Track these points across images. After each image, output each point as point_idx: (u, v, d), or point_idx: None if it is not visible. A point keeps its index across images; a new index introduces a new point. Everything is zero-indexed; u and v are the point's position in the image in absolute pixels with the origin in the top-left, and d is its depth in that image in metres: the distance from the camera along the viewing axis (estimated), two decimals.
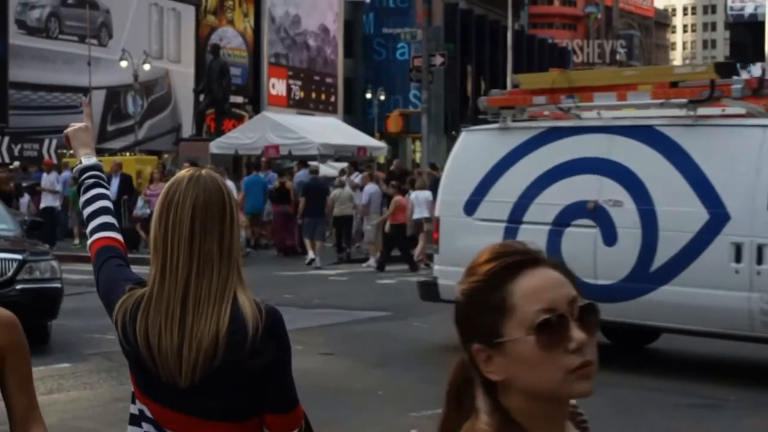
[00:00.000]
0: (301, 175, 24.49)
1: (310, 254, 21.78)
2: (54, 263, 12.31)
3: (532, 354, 1.65)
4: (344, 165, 28.19)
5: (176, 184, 2.68)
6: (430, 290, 11.92)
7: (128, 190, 24.27)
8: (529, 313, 1.65)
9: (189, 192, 2.65)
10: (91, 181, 3.03)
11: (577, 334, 1.65)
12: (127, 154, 38.36)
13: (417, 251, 21.37)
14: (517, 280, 1.68)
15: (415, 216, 21.14)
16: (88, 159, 3.08)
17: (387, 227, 21.45)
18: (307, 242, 22.21)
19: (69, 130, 3.19)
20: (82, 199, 3.03)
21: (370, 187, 23.32)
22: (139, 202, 23.30)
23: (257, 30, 54.07)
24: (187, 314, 2.60)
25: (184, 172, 2.73)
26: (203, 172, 2.72)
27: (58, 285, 12.10)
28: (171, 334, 2.59)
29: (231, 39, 51.90)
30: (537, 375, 1.65)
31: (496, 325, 1.68)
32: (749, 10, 79.86)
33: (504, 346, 1.67)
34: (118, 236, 2.97)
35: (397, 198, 21.60)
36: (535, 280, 1.68)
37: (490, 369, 1.69)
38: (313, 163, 26.37)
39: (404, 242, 21.38)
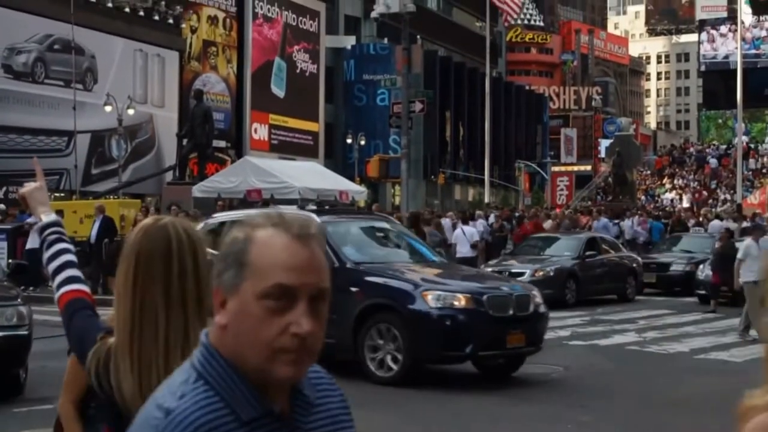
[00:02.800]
0: None
1: None
2: (22, 308, 11.58)
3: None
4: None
5: (129, 235, 2.73)
6: None
7: (110, 232, 24.27)
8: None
9: (135, 242, 2.65)
10: (54, 237, 3.05)
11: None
12: (111, 197, 38.83)
13: None
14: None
15: None
16: (47, 216, 3.12)
17: None
18: None
19: (24, 190, 3.21)
20: (46, 255, 3.03)
21: None
22: None
23: (240, 76, 54.82)
24: (135, 367, 2.58)
25: (142, 222, 2.76)
26: (162, 220, 2.70)
27: (26, 332, 11.42)
28: (129, 387, 2.58)
29: (214, 84, 52.60)
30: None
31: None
32: (721, 58, 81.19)
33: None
34: (86, 288, 3.00)
35: None
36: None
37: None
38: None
39: None
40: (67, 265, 3.00)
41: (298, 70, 59.29)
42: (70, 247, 3.08)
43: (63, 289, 2.95)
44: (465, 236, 25.78)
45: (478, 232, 27.61)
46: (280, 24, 57.76)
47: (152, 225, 2.67)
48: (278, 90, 57.86)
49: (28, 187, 3.23)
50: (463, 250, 25.20)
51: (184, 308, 2.58)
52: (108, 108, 39.66)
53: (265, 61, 56.61)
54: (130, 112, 40.84)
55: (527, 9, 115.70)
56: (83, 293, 2.97)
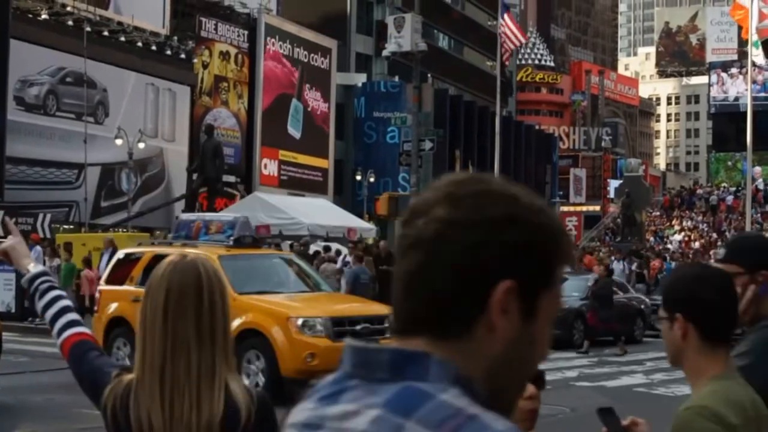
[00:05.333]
0: None
1: None
2: None
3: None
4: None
5: (157, 270, 2.72)
6: None
7: None
8: None
9: (165, 277, 2.66)
10: (45, 285, 3.06)
11: None
12: (120, 230, 38.93)
13: None
14: None
15: None
16: (35, 267, 3.14)
17: None
18: None
19: (5, 246, 3.22)
20: (41, 303, 3.04)
21: (358, 269, 23.83)
22: None
23: (251, 111, 55.04)
24: (166, 399, 2.60)
25: (168, 258, 2.77)
26: (187, 257, 2.73)
27: None
28: (158, 419, 2.59)
29: (225, 119, 52.80)
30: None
31: None
32: (731, 100, 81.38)
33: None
34: (87, 330, 3.01)
35: None
36: None
37: None
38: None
39: None
40: (65, 310, 3.01)
41: (309, 108, 59.60)
42: (63, 293, 3.10)
43: (65, 335, 2.95)
44: None
45: None
46: (296, 64, 58.13)
47: (181, 260, 2.69)
48: (295, 131, 58.36)
49: (9, 242, 3.23)
50: None
51: (212, 343, 2.62)
52: (119, 141, 39.85)
53: (277, 96, 56.80)
54: (141, 145, 41.03)
55: (538, 49, 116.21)
56: (86, 335, 2.97)
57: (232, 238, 16.72)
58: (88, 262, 25.06)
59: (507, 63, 57.41)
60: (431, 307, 1.32)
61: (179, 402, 2.58)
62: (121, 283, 16.30)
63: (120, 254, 17.91)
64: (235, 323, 13.30)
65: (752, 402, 2.74)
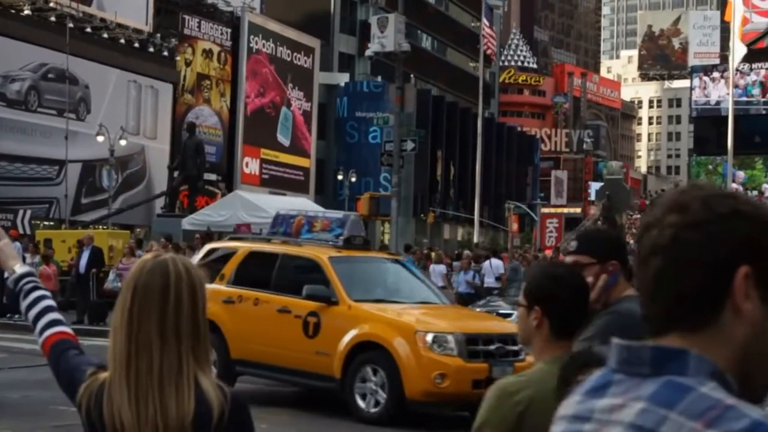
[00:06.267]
0: None
1: None
2: None
3: None
4: None
5: (131, 270, 2.74)
6: None
7: (98, 263, 24.23)
8: None
9: (132, 278, 2.67)
10: (30, 285, 3.10)
11: None
12: (100, 227, 38.80)
13: None
14: None
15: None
16: (21, 268, 3.18)
17: None
18: None
19: None
20: (24, 303, 3.07)
21: None
22: (111, 276, 23.31)
23: (233, 110, 55.00)
24: (132, 398, 2.61)
25: (143, 257, 2.80)
26: (162, 256, 2.74)
27: None
28: (128, 418, 2.60)
29: (207, 117, 52.74)
30: None
31: None
32: (712, 104, 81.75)
33: None
34: (68, 329, 3.01)
35: None
36: None
37: None
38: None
39: None
40: (47, 310, 3.03)
41: (292, 108, 59.73)
42: (47, 293, 3.11)
43: (46, 334, 2.97)
44: (491, 269, 26.38)
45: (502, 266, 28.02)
46: (283, 72, 58.43)
47: (150, 260, 2.70)
48: (284, 138, 58.92)
49: None
50: (490, 281, 25.93)
51: (178, 342, 2.61)
52: (100, 138, 39.69)
53: (266, 102, 57.04)
54: (122, 142, 40.89)
55: (521, 51, 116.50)
56: (66, 334, 2.98)
57: (341, 237, 14.73)
58: (46, 259, 24.74)
59: (493, 59, 57.72)
60: (679, 304, 1.47)
61: (144, 401, 2.59)
62: (209, 281, 14.48)
63: (206, 249, 16.09)
64: (350, 335, 12.69)
65: None
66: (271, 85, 57.85)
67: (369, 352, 12.54)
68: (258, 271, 14.36)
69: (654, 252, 1.49)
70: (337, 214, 17.23)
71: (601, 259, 3.75)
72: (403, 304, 13.66)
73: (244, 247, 15.06)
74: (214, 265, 14.59)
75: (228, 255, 14.94)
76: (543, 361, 3.22)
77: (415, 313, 13.25)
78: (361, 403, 12.46)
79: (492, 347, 12.45)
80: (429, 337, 12.27)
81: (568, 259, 3.87)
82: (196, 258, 23.71)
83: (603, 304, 3.73)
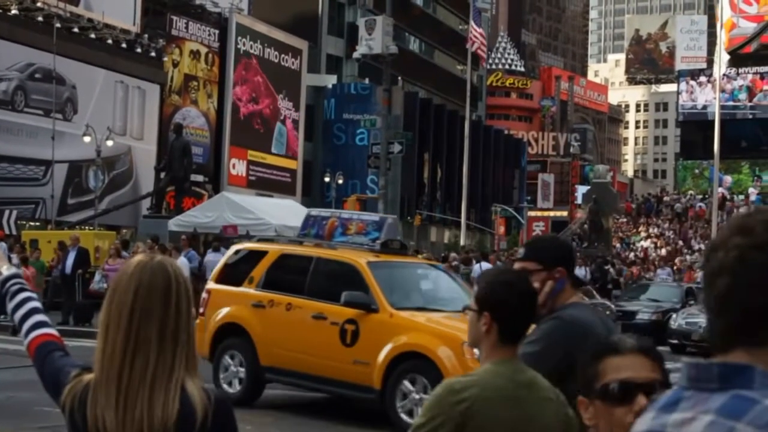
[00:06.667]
0: (211, 256, 24.44)
1: None
2: None
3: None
4: None
5: (124, 269, 2.72)
6: None
7: (84, 264, 24.09)
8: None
9: (134, 277, 2.66)
10: (16, 287, 3.11)
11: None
12: (86, 227, 38.70)
13: None
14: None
15: None
16: (7, 270, 3.20)
17: None
18: None
19: None
20: (11, 304, 3.07)
21: None
22: (97, 277, 23.26)
23: (220, 111, 54.95)
24: (120, 400, 2.60)
25: (137, 257, 2.77)
26: (155, 258, 2.74)
27: None
28: (111, 420, 2.59)
29: (194, 119, 52.66)
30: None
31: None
32: (699, 108, 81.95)
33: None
34: (54, 331, 3.01)
35: None
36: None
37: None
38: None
39: None
40: (33, 311, 3.03)
41: (285, 122, 60.07)
42: (34, 295, 3.12)
43: (31, 335, 2.97)
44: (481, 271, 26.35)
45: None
46: (279, 89, 58.94)
47: (150, 261, 2.70)
48: (278, 152, 59.49)
49: None
50: None
51: (175, 344, 2.62)
52: (87, 138, 39.58)
53: (255, 111, 57.24)
54: (109, 143, 40.78)
55: (508, 54, 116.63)
56: (52, 336, 2.97)
57: (378, 241, 14.08)
58: (24, 261, 24.45)
59: (483, 60, 57.79)
60: (744, 321, 1.55)
61: (132, 403, 2.59)
62: (237, 284, 13.91)
63: (233, 249, 15.17)
64: (391, 344, 12.13)
65: (512, 380, 3.26)
66: (264, 94, 58.00)
67: (411, 362, 11.97)
68: (290, 275, 13.76)
69: (720, 272, 1.57)
70: (374, 216, 16.64)
71: (548, 266, 3.88)
72: (444, 312, 12.86)
73: (274, 248, 14.35)
74: (240, 266, 14.16)
75: (253, 256, 14.25)
76: (490, 362, 3.34)
77: (459, 323, 11.99)
78: (404, 417, 11.72)
79: None
80: (477, 349, 11.87)
81: (516, 265, 3.98)
82: (210, 257, 23.29)
83: (549, 310, 3.87)
